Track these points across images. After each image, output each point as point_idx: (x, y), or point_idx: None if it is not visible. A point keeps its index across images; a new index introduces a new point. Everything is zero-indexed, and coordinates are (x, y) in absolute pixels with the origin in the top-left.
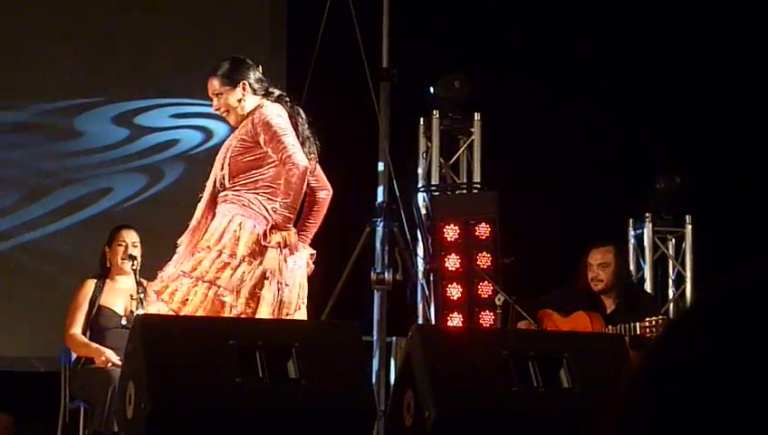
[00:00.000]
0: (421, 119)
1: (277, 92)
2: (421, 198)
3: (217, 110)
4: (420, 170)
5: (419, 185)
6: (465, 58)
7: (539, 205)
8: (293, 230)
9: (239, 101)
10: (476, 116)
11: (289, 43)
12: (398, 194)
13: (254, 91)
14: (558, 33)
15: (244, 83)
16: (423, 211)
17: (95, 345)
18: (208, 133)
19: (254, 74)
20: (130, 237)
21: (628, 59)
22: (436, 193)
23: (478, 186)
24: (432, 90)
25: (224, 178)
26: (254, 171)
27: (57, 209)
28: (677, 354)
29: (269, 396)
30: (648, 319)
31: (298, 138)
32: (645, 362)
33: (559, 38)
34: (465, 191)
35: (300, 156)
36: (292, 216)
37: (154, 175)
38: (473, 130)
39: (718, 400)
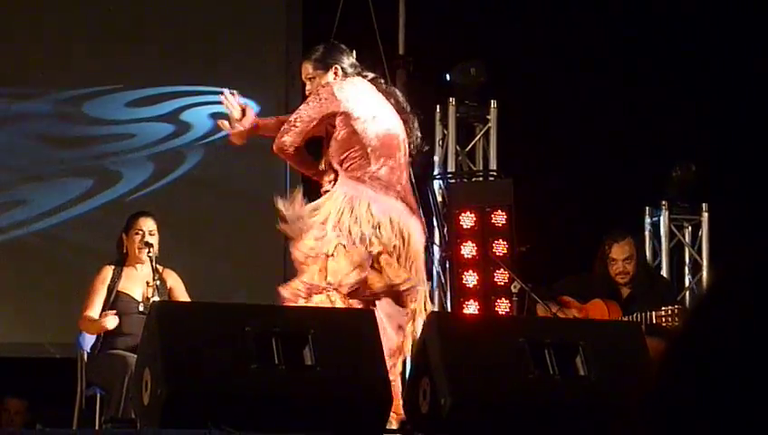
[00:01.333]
0: (437, 106)
1: (371, 76)
2: (437, 185)
3: (309, 94)
4: (436, 158)
5: (435, 172)
6: (481, 45)
7: (555, 192)
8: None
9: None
10: (493, 103)
11: (305, 31)
12: (413, 181)
13: (347, 76)
14: (574, 19)
15: (336, 67)
16: (439, 198)
17: (103, 320)
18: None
19: (348, 59)
20: (147, 225)
21: (644, 46)
22: (453, 180)
23: (494, 173)
24: (448, 77)
25: None
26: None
27: (73, 196)
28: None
29: (285, 383)
30: (663, 308)
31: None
32: (673, 350)
33: (575, 24)
34: (481, 179)
35: (279, 135)
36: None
37: (170, 161)
38: (489, 117)
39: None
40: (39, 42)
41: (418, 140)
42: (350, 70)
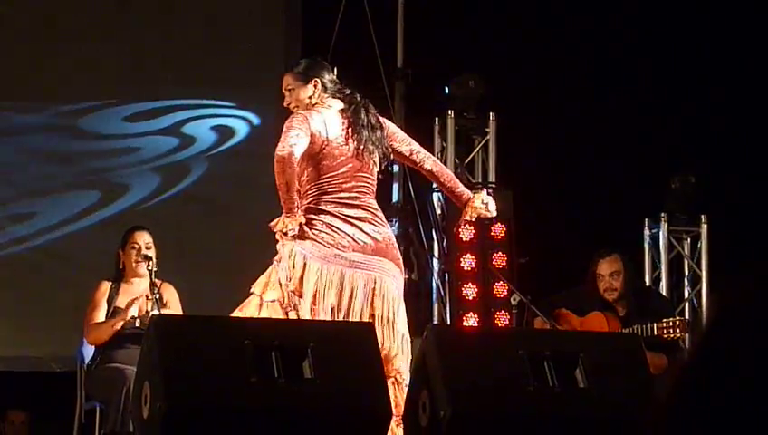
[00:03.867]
0: (436, 119)
1: (348, 91)
2: (436, 197)
3: (288, 105)
4: None
5: (434, 185)
6: (479, 58)
7: (554, 205)
8: (292, 218)
9: (309, 97)
10: (491, 116)
11: (304, 44)
12: (413, 194)
13: (326, 90)
14: (573, 32)
15: (316, 81)
16: (438, 211)
17: (125, 312)
18: (228, 132)
19: (329, 75)
20: (143, 239)
21: (642, 58)
22: None
23: (493, 185)
24: (447, 90)
25: None
26: None
27: (74, 211)
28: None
29: (284, 396)
30: (665, 320)
31: (351, 141)
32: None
33: (573, 38)
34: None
35: (280, 146)
36: (283, 204)
37: (171, 175)
38: (488, 129)
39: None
40: (40, 55)
41: (386, 157)
42: (329, 85)
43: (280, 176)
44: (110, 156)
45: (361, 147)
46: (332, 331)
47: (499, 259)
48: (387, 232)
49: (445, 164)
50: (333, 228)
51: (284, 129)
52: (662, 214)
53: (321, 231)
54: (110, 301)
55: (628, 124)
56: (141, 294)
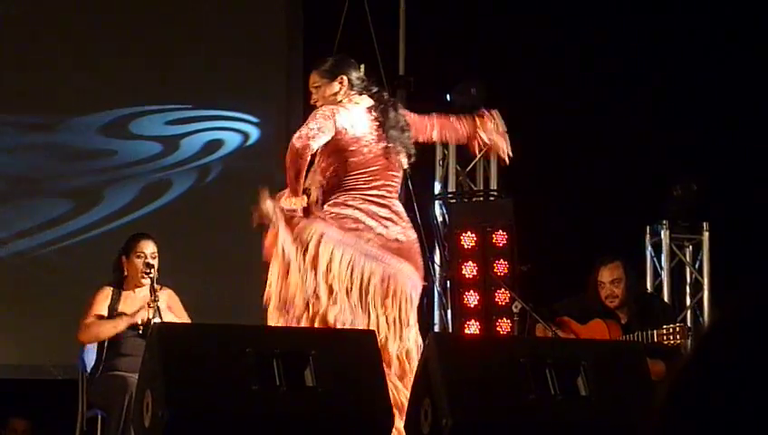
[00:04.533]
0: None
1: (375, 90)
2: (438, 205)
3: (314, 102)
4: (437, 178)
5: (436, 192)
6: (481, 65)
7: (556, 212)
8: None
9: (335, 94)
10: None
11: (306, 50)
12: (414, 201)
13: (352, 87)
14: (575, 40)
15: (342, 78)
16: (440, 219)
17: (115, 320)
18: (231, 137)
19: (356, 72)
20: (149, 248)
21: (644, 66)
22: (453, 200)
23: (495, 193)
24: (449, 97)
25: None
26: None
27: (74, 219)
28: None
29: (286, 404)
30: (665, 326)
31: (381, 140)
32: (678, 380)
33: (575, 45)
34: (481, 199)
35: (297, 135)
36: (290, 188)
37: (169, 183)
38: None
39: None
40: (38, 62)
41: (410, 157)
42: (356, 82)
43: (291, 164)
44: (111, 162)
45: (390, 146)
46: (334, 338)
47: (501, 267)
48: (412, 236)
49: (446, 172)
50: (359, 222)
51: (308, 119)
52: (664, 221)
53: (346, 222)
54: (112, 306)
55: (629, 131)
56: (145, 301)
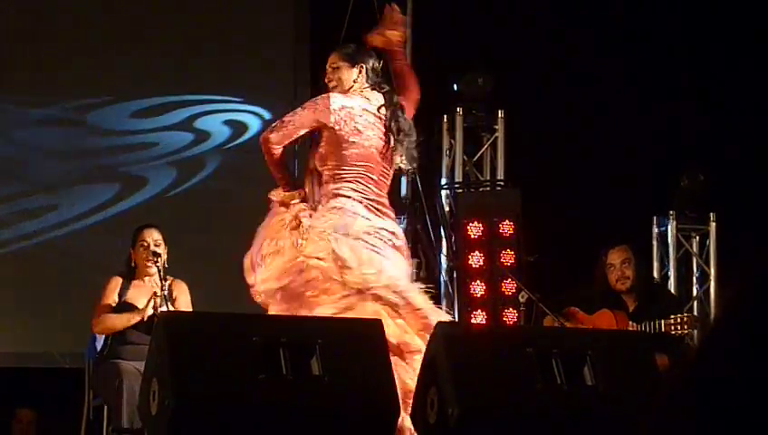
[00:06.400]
0: (445, 116)
1: (387, 88)
2: (445, 195)
3: (329, 82)
4: (444, 168)
5: (443, 182)
6: (488, 55)
7: (563, 202)
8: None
9: (354, 81)
10: (500, 113)
11: (313, 40)
12: (421, 191)
13: (368, 78)
14: (583, 29)
15: (362, 66)
16: (446, 209)
17: (129, 314)
18: (241, 127)
19: (374, 64)
20: (152, 236)
21: (652, 55)
22: (460, 190)
23: (502, 183)
24: (456, 87)
25: None
26: None
27: (85, 207)
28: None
29: (292, 393)
30: (672, 316)
31: (384, 138)
32: (683, 375)
33: (583, 34)
34: (488, 189)
35: (268, 129)
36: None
37: (181, 171)
38: (496, 127)
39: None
40: (48, 49)
41: (414, 161)
42: (371, 74)
43: (266, 157)
44: (121, 152)
45: (392, 145)
46: (340, 327)
47: (507, 257)
48: (401, 230)
49: (453, 162)
50: (357, 215)
51: (292, 111)
52: (671, 211)
53: (343, 213)
54: (121, 296)
55: (637, 121)
56: (153, 291)
